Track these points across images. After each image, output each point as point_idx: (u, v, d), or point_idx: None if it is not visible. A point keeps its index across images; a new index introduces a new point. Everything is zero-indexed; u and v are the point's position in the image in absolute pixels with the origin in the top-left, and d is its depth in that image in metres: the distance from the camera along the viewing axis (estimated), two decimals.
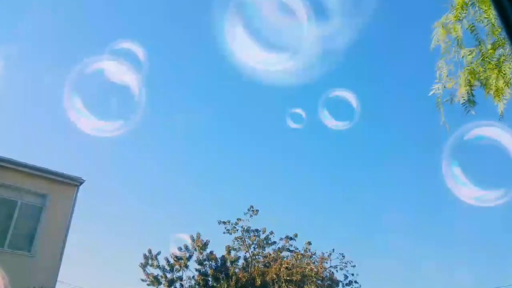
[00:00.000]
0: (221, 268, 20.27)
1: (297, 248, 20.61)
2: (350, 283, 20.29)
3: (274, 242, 20.83)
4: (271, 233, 20.79)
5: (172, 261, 20.40)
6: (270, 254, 20.45)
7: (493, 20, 4.71)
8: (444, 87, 5.20)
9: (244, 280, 19.54)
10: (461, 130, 4.06)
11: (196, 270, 20.42)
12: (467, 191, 3.99)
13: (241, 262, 20.77)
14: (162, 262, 20.40)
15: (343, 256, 20.19)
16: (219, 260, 20.53)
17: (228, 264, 20.48)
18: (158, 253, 20.53)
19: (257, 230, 20.73)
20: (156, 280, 20.03)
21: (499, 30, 4.68)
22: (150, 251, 20.53)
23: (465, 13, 5.01)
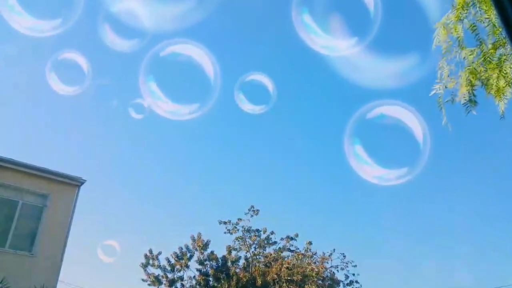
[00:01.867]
0: (222, 268, 20.28)
1: (298, 248, 20.64)
2: (351, 283, 20.30)
3: (275, 242, 20.86)
4: (272, 233, 20.82)
5: (173, 261, 20.42)
6: (271, 254, 20.46)
7: (493, 20, 4.71)
8: (445, 87, 5.20)
9: (245, 280, 19.54)
10: (364, 109, 4.03)
11: (197, 270, 20.45)
12: (370, 170, 3.96)
13: (242, 262, 20.79)
14: (163, 262, 20.44)
15: (344, 256, 20.21)
16: (220, 260, 20.54)
17: (229, 264, 20.49)
18: (159, 253, 20.57)
19: (258, 230, 20.76)
20: (157, 280, 20.04)
21: (500, 30, 4.68)
22: (151, 251, 20.56)
23: (466, 13, 5.01)
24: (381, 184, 4.13)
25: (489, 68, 4.94)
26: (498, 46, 4.90)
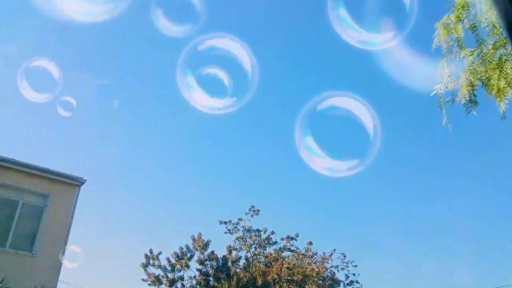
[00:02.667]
0: (222, 268, 20.28)
1: (298, 248, 20.63)
2: (351, 283, 20.29)
3: (275, 242, 20.85)
4: (272, 233, 20.82)
5: (173, 261, 20.42)
6: (271, 254, 20.46)
7: (494, 20, 4.71)
8: (446, 87, 5.20)
9: (245, 280, 19.54)
10: (315, 100, 4.02)
11: (197, 270, 20.45)
12: (321, 162, 3.97)
13: (242, 262, 20.79)
14: (164, 262, 20.44)
15: (344, 256, 20.21)
16: (220, 260, 20.54)
17: (229, 264, 20.49)
18: (159, 253, 20.57)
19: (258, 230, 20.76)
20: (157, 280, 20.05)
21: (500, 30, 4.68)
22: (151, 251, 20.56)
23: (466, 13, 5.01)
24: (332, 175, 4.15)
25: (490, 69, 4.94)
26: (498, 46, 4.90)
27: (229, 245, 20.82)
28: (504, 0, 1.67)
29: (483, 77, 5.02)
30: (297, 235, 20.82)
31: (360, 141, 3.97)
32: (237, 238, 20.73)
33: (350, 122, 4.04)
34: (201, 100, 4.30)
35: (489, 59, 4.97)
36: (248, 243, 20.64)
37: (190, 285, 20.33)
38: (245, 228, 20.66)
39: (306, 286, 19.22)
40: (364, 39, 3.99)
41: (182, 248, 20.70)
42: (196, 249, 20.61)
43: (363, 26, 3.99)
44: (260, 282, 19.18)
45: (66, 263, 11.81)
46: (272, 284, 19.30)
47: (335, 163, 4.00)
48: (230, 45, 4.21)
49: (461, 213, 28.49)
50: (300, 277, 19.11)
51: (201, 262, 20.46)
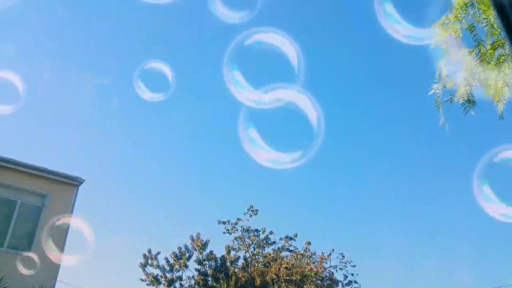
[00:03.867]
0: (221, 268, 20.28)
1: (297, 248, 20.64)
2: (349, 283, 20.30)
3: (274, 242, 20.85)
4: (271, 233, 20.82)
5: (172, 261, 20.41)
6: (269, 254, 20.46)
7: (492, 21, 4.72)
8: (444, 87, 5.21)
9: (244, 280, 19.54)
10: (260, 93, 4.04)
11: (196, 270, 20.44)
12: (264, 154, 3.99)
13: (240, 262, 20.79)
14: (162, 262, 20.43)
15: (342, 256, 20.22)
16: (219, 260, 20.53)
17: (228, 264, 20.48)
18: (158, 253, 20.55)
19: (256, 230, 20.76)
20: (155, 280, 20.03)
21: (498, 30, 4.69)
22: (149, 251, 20.55)
23: (464, 14, 5.02)
24: (275, 167, 4.18)
25: (488, 69, 4.95)
26: (496, 46, 4.91)
27: (228, 245, 20.83)
28: (502, 0, 1.68)
29: (481, 77, 5.03)
30: (296, 235, 20.84)
31: (303, 134, 4.00)
32: (236, 238, 20.74)
33: (293, 114, 4.06)
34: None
35: (487, 59, 4.98)
36: (246, 243, 20.64)
37: (189, 285, 20.32)
38: (243, 228, 20.67)
39: (305, 286, 19.22)
40: (411, 34, 3.97)
41: (181, 248, 20.69)
42: (195, 249, 20.60)
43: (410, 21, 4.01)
44: (259, 282, 19.18)
45: (21, 269, 11.59)
46: (270, 284, 19.31)
47: (278, 155, 4.02)
48: (277, 39, 4.11)
49: (461, 213, 28.52)
50: (298, 277, 19.12)
51: (199, 262, 20.45)
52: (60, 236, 14.75)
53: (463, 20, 5.02)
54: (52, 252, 14.32)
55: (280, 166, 4.17)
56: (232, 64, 4.11)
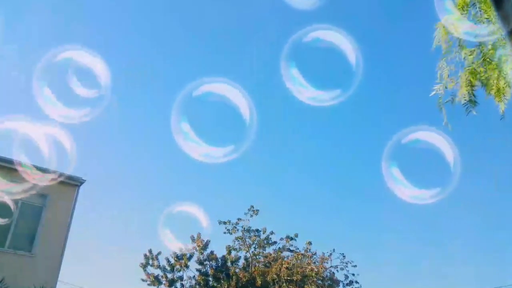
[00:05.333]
0: (222, 268, 20.27)
1: (298, 248, 20.62)
2: (350, 283, 20.29)
3: (275, 242, 20.84)
4: (272, 233, 20.81)
5: (172, 261, 20.41)
6: (270, 254, 20.45)
7: (493, 20, 4.70)
8: (445, 87, 5.20)
9: (245, 280, 19.53)
10: (190, 86, 4.03)
11: (197, 270, 20.43)
12: (196, 148, 3.99)
13: (241, 262, 20.78)
14: (163, 262, 20.42)
15: (343, 256, 20.21)
16: (220, 260, 20.53)
17: (229, 264, 20.48)
18: (159, 253, 20.54)
19: (257, 230, 20.75)
20: (156, 280, 20.03)
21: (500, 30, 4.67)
22: (150, 251, 20.54)
23: (466, 14, 5.00)
24: (207, 161, 4.18)
25: (489, 69, 4.94)
26: (498, 46, 4.89)
27: (229, 245, 20.83)
28: (503, 0, 1.67)
29: (483, 77, 5.01)
30: (296, 235, 20.82)
31: (236, 127, 4.00)
32: (237, 238, 20.73)
33: (225, 107, 4.05)
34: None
35: (488, 59, 4.97)
36: (247, 243, 20.63)
37: (190, 285, 20.32)
38: (244, 228, 20.66)
39: (306, 286, 19.21)
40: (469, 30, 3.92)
41: (182, 248, 20.67)
42: (196, 249, 20.60)
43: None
44: (260, 282, 19.17)
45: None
46: (271, 284, 19.29)
47: (211, 150, 4.02)
48: (335, 37, 4.04)
49: (461, 213, 28.51)
50: (299, 277, 19.10)
51: (200, 262, 20.45)
52: (61, 236, 14.76)
53: (465, 20, 5.01)
54: (52, 252, 14.34)
55: (213, 160, 4.17)
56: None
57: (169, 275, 20.19)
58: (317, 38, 4.04)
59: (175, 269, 20.32)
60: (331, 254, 20.17)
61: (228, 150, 4.02)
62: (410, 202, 4.16)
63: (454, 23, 3.88)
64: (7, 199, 8.48)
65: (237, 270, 20.24)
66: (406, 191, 4.01)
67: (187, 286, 20.31)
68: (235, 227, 20.71)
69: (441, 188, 4.00)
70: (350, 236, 30.01)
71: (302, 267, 19.58)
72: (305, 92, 3.94)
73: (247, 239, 20.63)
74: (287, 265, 19.50)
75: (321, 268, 19.76)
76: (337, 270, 20.23)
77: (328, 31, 4.02)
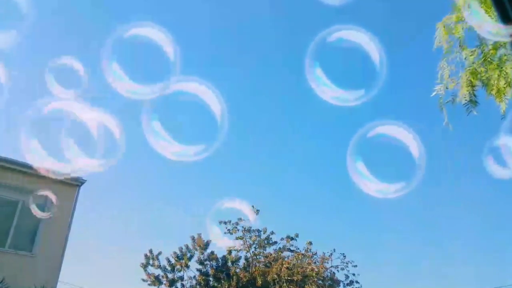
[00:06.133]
0: (222, 268, 20.28)
1: (298, 248, 20.63)
2: (351, 283, 20.29)
3: (275, 242, 20.85)
4: (272, 233, 20.82)
5: (173, 261, 20.42)
6: (271, 254, 20.46)
7: (494, 20, 4.69)
8: (446, 87, 5.20)
9: (245, 280, 19.54)
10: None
11: (197, 270, 20.45)
12: (168, 146, 4.00)
13: (242, 262, 20.80)
14: (163, 262, 20.44)
15: (344, 256, 20.21)
16: (220, 260, 20.54)
17: (229, 264, 20.49)
18: (159, 253, 20.56)
19: (258, 230, 20.76)
20: (157, 280, 20.04)
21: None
22: (151, 251, 20.56)
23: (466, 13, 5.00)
24: (179, 160, 4.19)
25: (490, 69, 4.93)
26: (498, 46, 4.89)
27: (229, 245, 20.83)
28: (503, 0, 1.67)
29: (483, 77, 5.01)
30: (297, 235, 20.83)
31: (208, 126, 4.01)
32: (237, 238, 20.73)
33: (197, 106, 4.05)
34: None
35: (489, 59, 4.97)
36: (248, 243, 20.64)
37: (190, 285, 20.34)
38: (245, 228, 20.66)
39: (306, 286, 19.22)
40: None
41: (182, 248, 20.70)
42: (196, 249, 20.61)
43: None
44: (260, 282, 19.17)
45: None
46: (272, 284, 19.30)
47: (183, 148, 4.03)
48: (359, 37, 4.01)
49: (461, 213, 28.50)
50: (300, 277, 19.10)
51: (201, 262, 20.46)
52: (61, 236, 14.76)
53: (465, 20, 5.01)
54: (53, 252, 14.35)
55: (184, 158, 4.17)
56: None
57: (170, 275, 20.21)
58: (341, 38, 4.04)
59: (175, 269, 20.33)
60: (331, 254, 20.19)
61: (199, 148, 4.04)
62: (375, 196, 4.16)
63: (479, 23, 3.87)
64: (47, 193, 8.40)
65: (237, 270, 20.25)
66: (371, 185, 4.01)
67: (187, 286, 20.33)
68: (236, 227, 20.73)
69: (406, 182, 4.01)
70: (350, 236, 30.00)
71: (302, 267, 19.58)
72: (329, 91, 3.95)
73: (247, 239, 20.64)
74: (288, 265, 19.51)
75: (322, 268, 19.76)
76: (337, 270, 20.26)
77: (352, 31, 4.01)
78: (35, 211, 7.93)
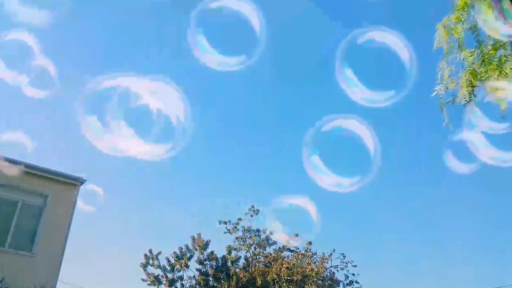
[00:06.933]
0: (222, 268, 20.28)
1: (298, 248, 20.63)
2: (350, 283, 20.30)
3: (275, 242, 20.84)
4: (271, 233, 20.79)
5: (172, 261, 20.42)
6: (270, 254, 20.46)
7: (492, 21, 4.70)
8: (446, 88, 5.21)
9: (245, 280, 19.54)
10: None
11: (197, 270, 20.45)
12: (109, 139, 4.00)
13: (241, 262, 20.79)
14: (163, 262, 20.44)
15: (343, 256, 20.22)
16: (220, 260, 20.54)
17: (229, 264, 20.49)
18: (159, 253, 20.56)
19: (257, 230, 20.76)
20: (157, 280, 20.04)
21: None
22: (150, 251, 20.56)
23: (466, 14, 5.01)
24: (146, 159, 4.20)
25: (490, 69, 4.94)
26: (498, 47, 4.90)
27: (229, 245, 20.84)
28: (502, 1, 1.68)
29: (483, 78, 5.02)
30: (297, 235, 20.78)
31: (165, 126, 4.02)
32: (237, 238, 20.74)
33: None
34: None
35: (489, 59, 4.98)
36: (247, 243, 20.64)
37: (190, 285, 20.34)
38: (244, 228, 20.67)
39: (306, 286, 19.22)
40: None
41: (182, 248, 20.70)
42: (196, 249, 20.61)
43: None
44: (260, 282, 19.18)
45: (81, 205, 10.64)
46: (271, 284, 19.30)
47: (148, 147, 4.04)
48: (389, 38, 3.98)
49: (461, 213, 28.52)
50: (299, 277, 19.11)
51: (200, 262, 20.46)
52: (61, 236, 14.76)
53: (465, 20, 5.02)
54: (53, 251, 14.34)
55: (153, 158, 4.17)
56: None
57: (169, 275, 20.21)
58: (371, 39, 4.04)
59: (175, 269, 20.33)
60: (331, 254, 20.20)
61: (166, 148, 4.04)
62: (331, 190, 4.16)
63: (493, 26, 3.87)
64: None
65: (237, 270, 20.25)
66: (326, 179, 4.01)
67: (187, 286, 20.33)
68: (236, 227, 20.73)
69: (361, 176, 4.01)
70: (350, 236, 30.01)
71: (302, 267, 19.59)
72: (359, 93, 3.95)
73: (247, 239, 20.64)
74: (287, 265, 19.52)
75: (321, 268, 19.78)
76: (337, 270, 20.27)
77: (381, 32, 4.01)
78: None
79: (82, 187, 15.53)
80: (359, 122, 4.02)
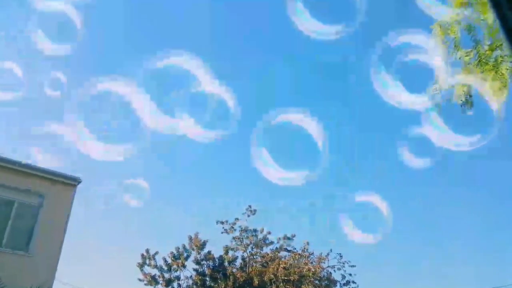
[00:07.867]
0: (219, 268, 20.28)
1: (295, 248, 20.66)
2: (347, 283, 20.32)
3: (272, 242, 20.86)
4: (269, 233, 20.82)
5: (169, 260, 20.40)
6: (268, 254, 20.47)
7: (490, 22, 4.73)
8: (442, 87, 5.22)
9: (242, 280, 19.54)
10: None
11: (194, 270, 20.43)
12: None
13: (238, 262, 20.80)
14: (160, 262, 20.41)
15: (340, 256, 20.24)
16: (217, 260, 20.53)
17: (226, 264, 20.48)
18: (156, 253, 20.53)
19: (255, 230, 20.76)
20: (153, 280, 20.01)
21: (496, 31, 4.71)
22: (147, 251, 20.53)
23: (462, 13, 5.03)
24: (106, 159, 4.26)
25: (485, 70, 4.96)
26: (494, 47, 4.92)
27: (226, 245, 20.83)
28: (500, 1, 1.69)
29: (479, 78, 5.04)
30: (294, 235, 20.84)
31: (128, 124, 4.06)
32: (234, 238, 20.74)
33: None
34: None
35: (485, 60, 5.00)
36: (244, 243, 20.64)
37: (187, 285, 20.32)
38: (242, 228, 20.67)
39: (303, 286, 19.24)
40: None
41: (179, 248, 20.68)
42: (193, 249, 20.60)
43: None
44: (257, 282, 19.18)
45: (127, 199, 10.76)
46: (268, 284, 19.31)
47: (110, 147, 4.08)
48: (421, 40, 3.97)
49: (461, 213, 28.57)
50: (296, 277, 19.13)
51: (197, 262, 20.45)
52: (58, 236, 14.73)
53: (461, 21, 5.04)
54: (50, 251, 14.31)
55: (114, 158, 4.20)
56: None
57: (166, 275, 20.18)
58: (406, 42, 4.05)
59: (172, 268, 20.31)
60: (328, 254, 20.23)
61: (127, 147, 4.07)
62: (278, 184, 4.20)
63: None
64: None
65: (234, 270, 20.24)
66: (274, 173, 4.04)
67: (184, 286, 20.31)
68: (233, 227, 20.72)
69: (309, 171, 4.05)
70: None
71: (299, 267, 19.60)
72: (396, 96, 3.96)
73: (244, 239, 20.64)
74: (284, 265, 19.53)
75: (318, 268, 19.79)
76: (334, 270, 20.29)
77: (417, 35, 4.02)
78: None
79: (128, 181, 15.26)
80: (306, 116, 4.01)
